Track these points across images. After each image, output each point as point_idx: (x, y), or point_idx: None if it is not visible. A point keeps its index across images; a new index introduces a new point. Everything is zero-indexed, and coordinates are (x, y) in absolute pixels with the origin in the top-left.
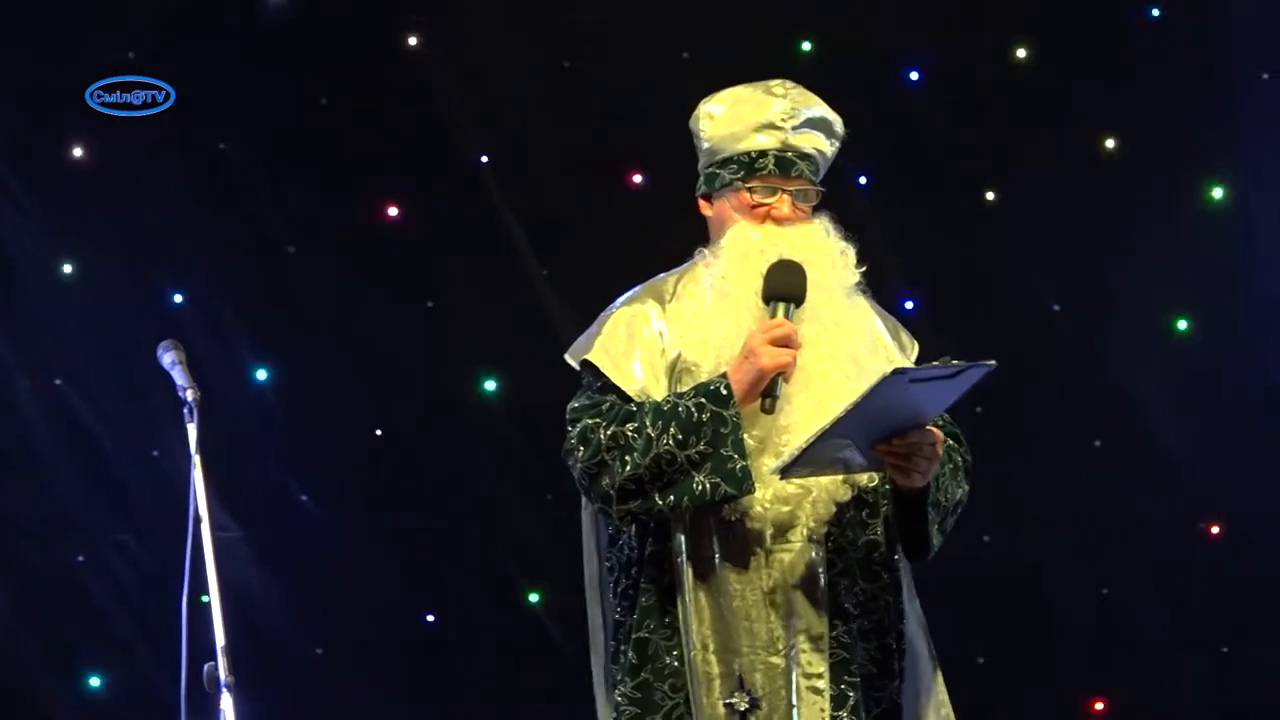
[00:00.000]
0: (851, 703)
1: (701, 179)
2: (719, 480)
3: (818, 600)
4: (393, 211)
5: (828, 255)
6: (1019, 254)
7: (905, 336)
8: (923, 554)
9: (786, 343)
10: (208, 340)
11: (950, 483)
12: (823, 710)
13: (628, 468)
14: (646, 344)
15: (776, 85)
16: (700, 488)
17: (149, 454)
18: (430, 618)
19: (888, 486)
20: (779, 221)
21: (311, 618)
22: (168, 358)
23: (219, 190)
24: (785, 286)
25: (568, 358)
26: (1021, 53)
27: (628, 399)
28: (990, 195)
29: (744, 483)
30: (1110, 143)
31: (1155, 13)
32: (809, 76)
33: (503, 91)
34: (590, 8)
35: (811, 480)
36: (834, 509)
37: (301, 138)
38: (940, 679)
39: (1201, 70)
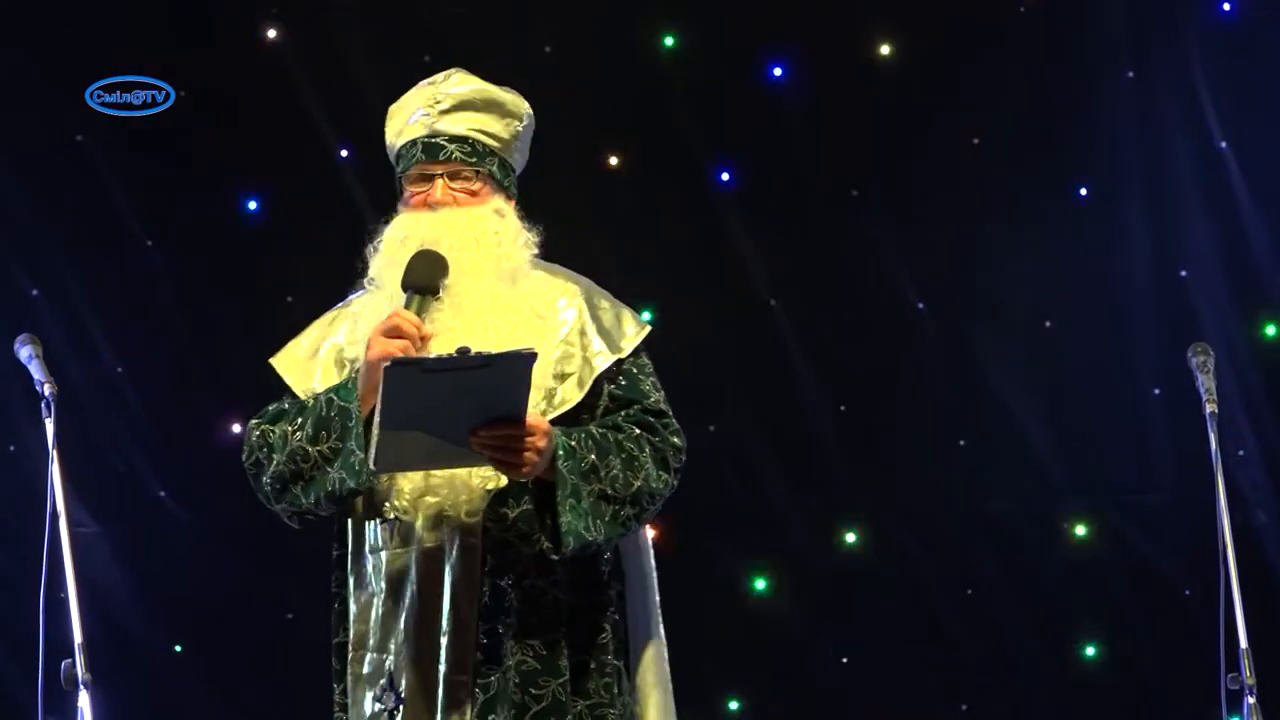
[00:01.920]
0: (484, 699)
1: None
2: (343, 474)
3: (468, 597)
4: (252, 206)
5: (477, 240)
6: (884, 252)
7: (628, 323)
8: (559, 545)
9: (398, 333)
10: (65, 334)
11: (624, 472)
12: (466, 711)
13: (273, 466)
14: (334, 344)
15: (441, 75)
16: (331, 483)
17: (5, 448)
18: (290, 615)
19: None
20: (434, 207)
21: (170, 615)
22: (25, 351)
23: (76, 182)
24: (417, 276)
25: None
26: (886, 49)
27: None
28: (855, 192)
29: (360, 475)
30: (976, 140)
31: (1021, 9)
32: (673, 71)
33: (363, 85)
34: (453, 0)
35: (459, 472)
36: (485, 503)
37: (160, 130)
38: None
39: (1068, 68)
